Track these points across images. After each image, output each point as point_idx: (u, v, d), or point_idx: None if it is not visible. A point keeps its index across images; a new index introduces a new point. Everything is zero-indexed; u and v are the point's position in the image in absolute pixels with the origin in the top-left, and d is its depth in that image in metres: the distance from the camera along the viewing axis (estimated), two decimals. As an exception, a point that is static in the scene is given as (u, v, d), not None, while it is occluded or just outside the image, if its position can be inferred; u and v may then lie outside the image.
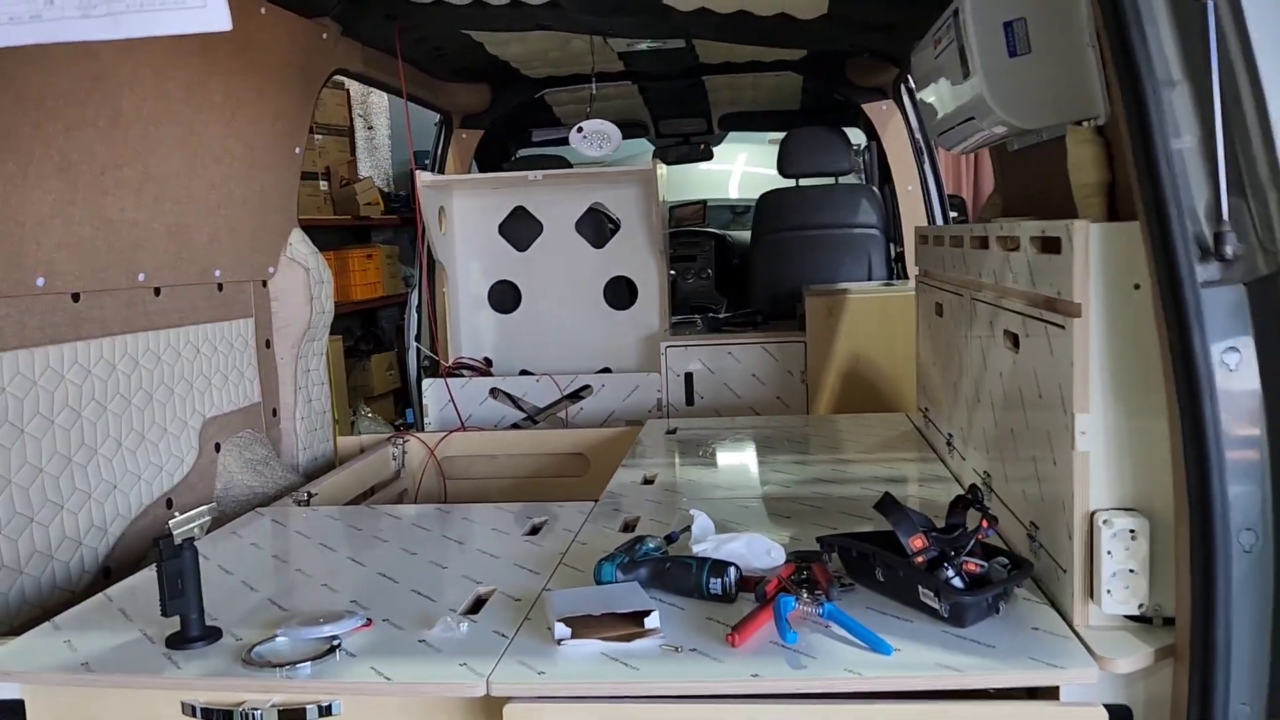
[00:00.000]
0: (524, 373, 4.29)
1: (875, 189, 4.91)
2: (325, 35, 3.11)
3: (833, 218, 4.70)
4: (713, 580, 1.68)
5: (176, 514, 1.71)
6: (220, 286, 2.86)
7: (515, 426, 3.98)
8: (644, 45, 3.83)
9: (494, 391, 4.11)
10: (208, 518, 1.69)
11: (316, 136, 7.63)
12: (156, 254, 2.54)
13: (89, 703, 1.62)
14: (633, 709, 1.44)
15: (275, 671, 1.53)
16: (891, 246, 4.71)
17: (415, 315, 4.53)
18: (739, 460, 2.97)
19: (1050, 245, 1.61)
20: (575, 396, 4.10)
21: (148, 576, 2.02)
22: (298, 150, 3.18)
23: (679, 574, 1.72)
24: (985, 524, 1.61)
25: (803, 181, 4.81)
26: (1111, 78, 1.47)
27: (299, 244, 3.20)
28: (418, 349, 4.46)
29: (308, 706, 1.55)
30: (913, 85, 3.85)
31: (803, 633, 1.53)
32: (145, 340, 2.51)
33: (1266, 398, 1.30)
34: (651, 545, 1.84)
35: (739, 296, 5.26)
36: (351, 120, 8.70)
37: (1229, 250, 1.29)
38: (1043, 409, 1.66)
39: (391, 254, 7.95)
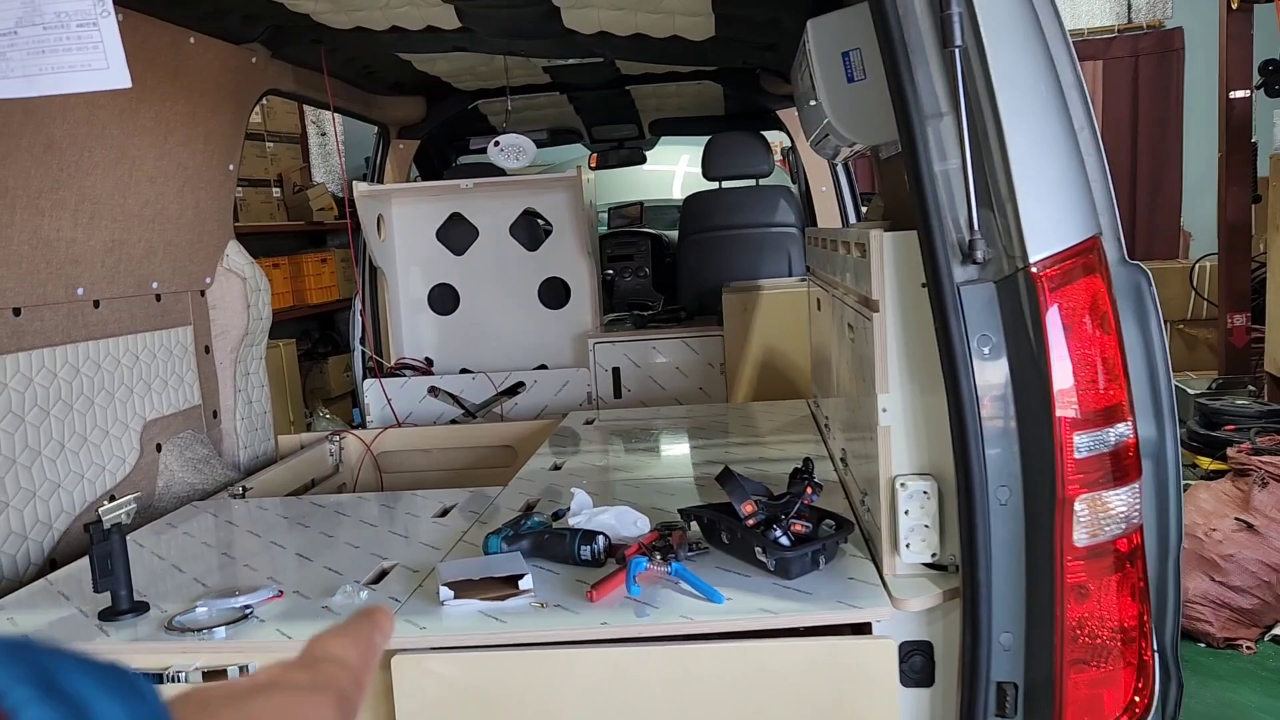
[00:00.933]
0: (464, 371, 4.52)
1: (793, 189, 5.17)
2: (255, 59, 3.32)
3: (753, 218, 4.95)
4: (583, 547, 1.92)
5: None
6: (158, 297, 3.07)
7: (454, 422, 4.21)
8: (564, 60, 4.06)
9: (432, 389, 4.33)
10: (133, 505, 1.90)
11: (268, 144, 7.81)
12: (94, 269, 2.74)
13: (32, 671, 1.84)
14: (500, 654, 1.68)
15: (194, 635, 1.75)
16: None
17: (358, 319, 4.74)
18: (647, 446, 3.22)
19: (863, 250, 1.86)
20: (510, 392, 4.34)
21: (84, 564, 2.24)
22: (231, 167, 3.38)
23: (555, 543, 1.96)
24: (810, 491, 1.86)
25: (726, 184, 5.06)
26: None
27: (235, 255, 3.40)
28: (361, 351, 4.67)
29: (228, 668, 1.77)
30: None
31: (653, 590, 1.78)
32: (85, 349, 2.71)
33: (1013, 376, 1.55)
34: (537, 519, 2.08)
35: (675, 295, 5.51)
36: (304, 127, 8.87)
37: (979, 254, 1.54)
38: (865, 392, 1.91)
39: (346, 258, 8.12)
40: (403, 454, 3.80)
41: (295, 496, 3.22)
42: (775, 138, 5.79)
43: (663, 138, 6.18)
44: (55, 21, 1.42)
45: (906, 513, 1.73)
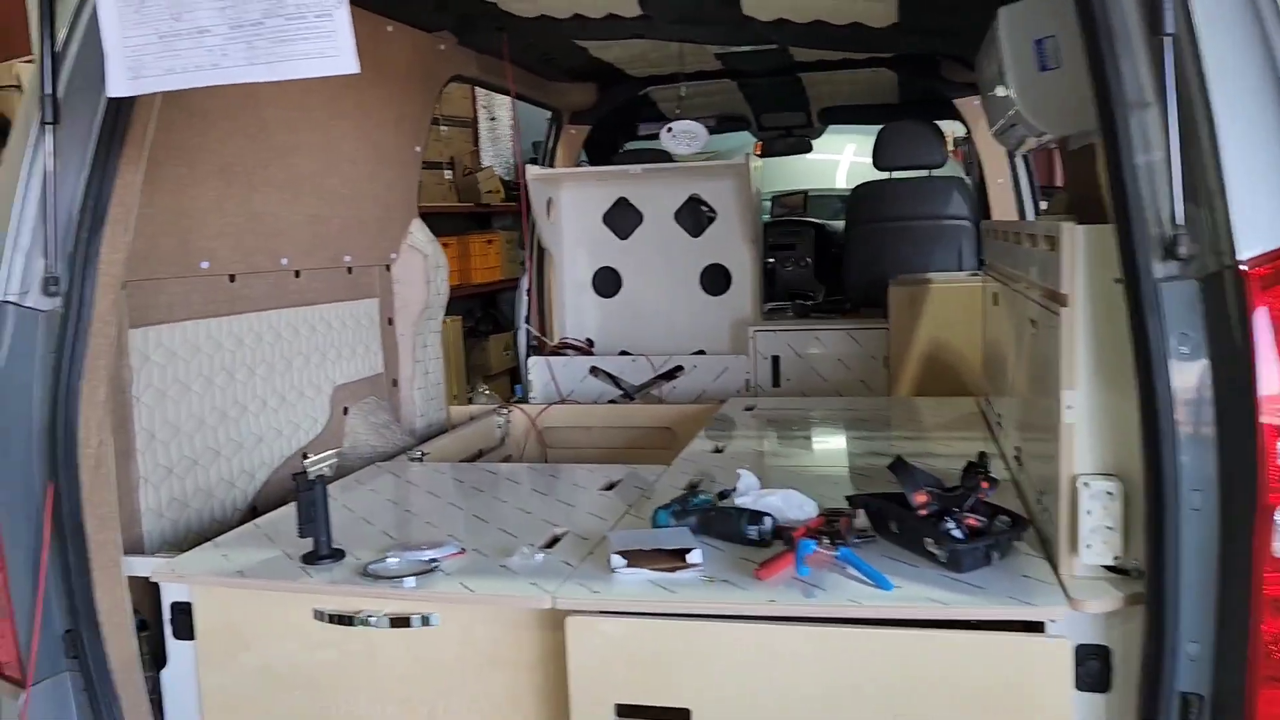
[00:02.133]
0: (623, 353, 4.61)
1: (967, 180, 5.03)
2: (443, 46, 3.48)
3: (924, 209, 4.84)
4: (750, 526, 1.96)
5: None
6: (350, 270, 3.27)
7: (613, 403, 4.31)
8: (739, 47, 4.08)
9: (594, 370, 4.45)
10: (335, 460, 2.06)
11: (442, 128, 8.11)
12: (297, 242, 2.95)
13: (240, 604, 2.02)
14: (669, 623, 1.74)
15: (386, 583, 1.88)
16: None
17: (524, 299, 4.90)
18: (807, 434, 3.22)
19: (1052, 243, 1.82)
20: (669, 376, 4.41)
21: (287, 512, 2.43)
22: (418, 149, 3.56)
23: (722, 521, 2.01)
24: (985, 485, 1.83)
25: (897, 174, 4.97)
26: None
27: (418, 232, 3.59)
28: (526, 330, 4.83)
29: (412, 616, 1.90)
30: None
31: (820, 572, 1.80)
32: (287, 316, 2.92)
33: (1214, 379, 1.49)
34: (703, 497, 2.13)
35: (837, 285, 5.46)
36: (475, 112, 9.17)
37: (1183, 250, 1.49)
38: (1047, 389, 1.87)
39: (511, 239, 8.38)
40: (565, 430, 3.92)
41: (466, 464, 3.38)
42: (947, 128, 5.64)
43: (830, 126, 6.12)
44: (296, 13, 1.55)
45: (1089, 513, 1.69)
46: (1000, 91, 2.47)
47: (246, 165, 2.64)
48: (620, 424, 3.88)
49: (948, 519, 1.79)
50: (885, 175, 4.98)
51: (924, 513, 1.80)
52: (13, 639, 1.96)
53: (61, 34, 1.97)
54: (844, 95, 5.31)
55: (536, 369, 4.49)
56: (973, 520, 1.80)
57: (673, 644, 1.74)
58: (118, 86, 1.70)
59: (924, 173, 4.95)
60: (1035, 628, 1.69)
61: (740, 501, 2.08)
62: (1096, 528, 1.69)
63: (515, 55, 3.92)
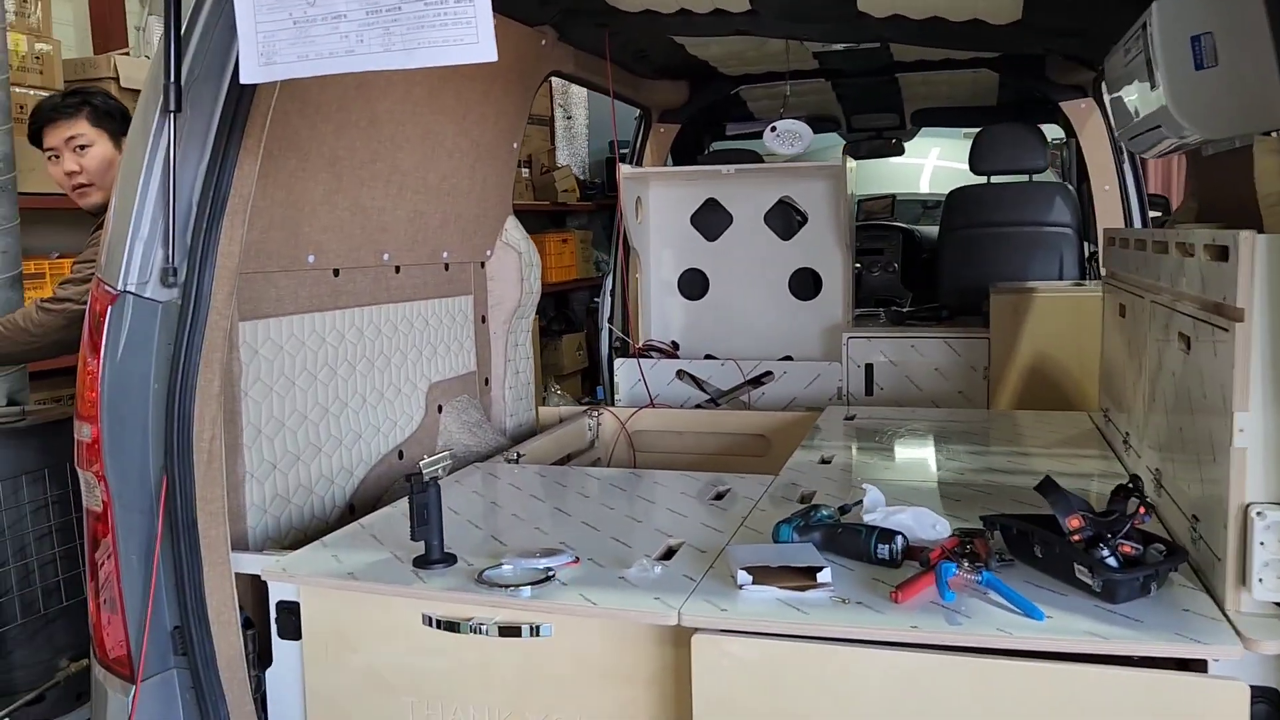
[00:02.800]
0: (709, 357, 4.53)
1: (1070, 187, 4.86)
2: (544, 41, 3.43)
3: (1024, 215, 4.68)
4: (880, 546, 1.86)
5: (408, 463, 2.03)
6: (446, 266, 3.23)
7: (699, 407, 4.23)
8: (839, 45, 3.97)
9: (680, 373, 4.37)
10: (449, 461, 2.00)
11: (522, 127, 8.12)
12: (398, 237, 2.91)
13: (349, 607, 1.97)
14: (803, 646, 1.65)
15: (502, 591, 1.82)
16: (1085, 246, 4.66)
17: (609, 298, 4.84)
18: (915, 447, 3.10)
19: (1220, 253, 1.69)
20: (757, 382, 4.31)
21: (390, 512, 2.39)
22: (515, 145, 3.52)
23: (849, 539, 1.91)
24: (1142, 510, 1.71)
25: (995, 179, 4.81)
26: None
27: (513, 230, 3.55)
28: (610, 330, 4.76)
29: (523, 625, 1.84)
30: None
31: (961, 596, 1.70)
32: (387, 311, 2.89)
33: None
34: (825, 513, 2.03)
35: (926, 291, 5.31)
36: (553, 111, 9.17)
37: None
38: (1207, 408, 1.75)
39: (585, 239, 8.36)
40: (656, 434, 3.85)
41: (562, 466, 3.32)
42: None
43: (922, 129, 5.97)
44: (436, -3, 1.50)
45: (1262, 544, 1.56)
46: (1137, 92, 2.34)
47: (356, 159, 2.61)
48: (713, 430, 3.80)
49: (1101, 546, 1.67)
50: (982, 180, 4.83)
51: (1077, 538, 1.69)
52: (124, 633, 1.94)
53: (184, 19, 1.95)
54: (941, 97, 5.17)
55: (623, 370, 4.42)
56: (1128, 548, 1.68)
57: (804, 668, 1.65)
58: (251, 73, 1.67)
59: (1024, 177, 4.79)
60: (1191, 665, 1.57)
61: (868, 518, 1.99)
62: (1271, 561, 1.57)
63: (612, 51, 3.86)
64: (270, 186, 2.31)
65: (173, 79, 1.90)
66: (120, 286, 1.94)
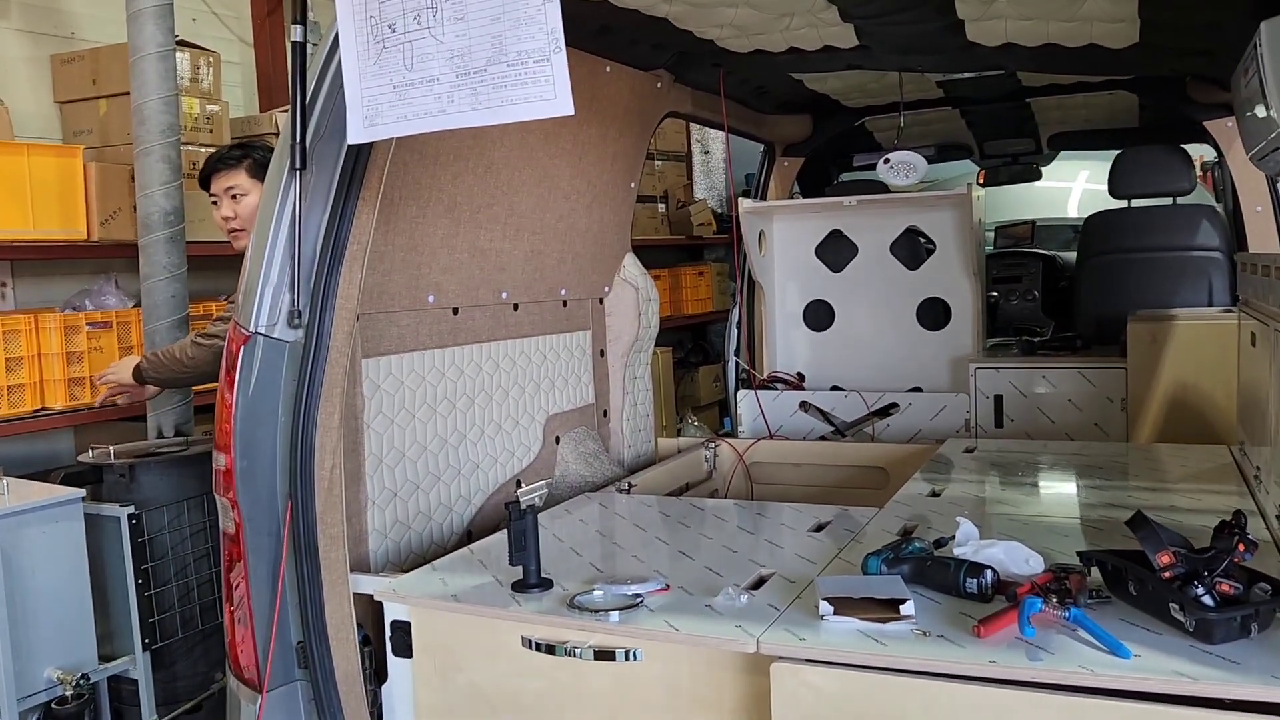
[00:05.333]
0: (835, 388, 4.51)
1: (1219, 209, 4.61)
2: (659, 84, 3.55)
3: (1169, 239, 4.48)
4: (969, 580, 1.84)
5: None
6: (565, 303, 3.36)
7: (823, 439, 4.21)
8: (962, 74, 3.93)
9: (804, 404, 4.37)
10: (545, 490, 2.10)
11: (657, 162, 8.29)
12: (515, 276, 3.06)
13: (454, 627, 2.09)
14: (880, 678, 1.65)
15: (591, 615, 1.89)
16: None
17: (734, 331, 4.88)
18: (1033, 480, 3.02)
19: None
20: (882, 413, 4.27)
21: (499, 539, 2.50)
22: (633, 185, 3.63)
23: (938, 572, 1.90)
24: (1241, 547, 1.64)
25: (1136, 202, 4.62)
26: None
27: (630, 266, 3.65)
28: (736, 362, 4.81)
29: (617, 650, 1.91)
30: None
31: (1047, 633, 1.66)
32: (505, 347, 3.03)
33: None
34: (918, 545, 2.02)
35: (1066, 319, 5.13)
36: (689, 146, 9.32)
37: None
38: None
39: (722, 271, 8.42)
40: (774, 466, 3.86)
41: (672, 497, 3.38)
42: (1195, 152, 5.20)
43: (1061, 153, 5.78)
44: (516, 60, 1.62)
45: (1373, 587, 1.48)
46: (1260, 112, 2.24)
47: (473, 203, 2.77)
48: (831, 462, 3.79)
49: (1197, 584, 1.61)
50: (1123, 204, 4.65)
51: (1168, 575, 1.63)
52: (253, 647, 2.11)
53: (309, 87, 2.14)
54: (1078, 120, 5.01)
55: (745, 402, 4.46)
56: (1226, 586, 1.61)
57: (884, 700, 1.65)
58: (357, 134, 1.83)
59: (1168, 201, 4.59)
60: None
61: (959, 552, 1.97)
62: (1383, 604, 1.48)
63: (730, 89, 3.93)
64: (391, 233, 2.48)
65: (297, 140, 2.09)
66: (252, 328, 2.13)
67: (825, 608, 1.79)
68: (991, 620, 1.69)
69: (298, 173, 2.10)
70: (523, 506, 2.05)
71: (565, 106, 1.66)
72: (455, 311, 2.81)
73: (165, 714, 3.35)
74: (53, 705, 3.09)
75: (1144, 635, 1.65)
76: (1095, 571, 1.86)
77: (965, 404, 4.11)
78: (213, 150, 4.26)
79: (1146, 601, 1.72)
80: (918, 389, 4.38)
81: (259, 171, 3.16)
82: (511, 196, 2.95)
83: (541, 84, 1.63)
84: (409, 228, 2.56)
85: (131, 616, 3.27)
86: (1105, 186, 4.66)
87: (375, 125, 1.78)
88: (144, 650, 3.29)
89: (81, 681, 3.11)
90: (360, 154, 2.13)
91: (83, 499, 3.20)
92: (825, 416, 4.34)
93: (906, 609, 1.76)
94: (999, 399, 4.08)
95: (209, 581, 3.48)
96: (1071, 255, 5.95)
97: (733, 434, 4.59)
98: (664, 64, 3.49)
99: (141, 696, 3.28)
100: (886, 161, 3.91)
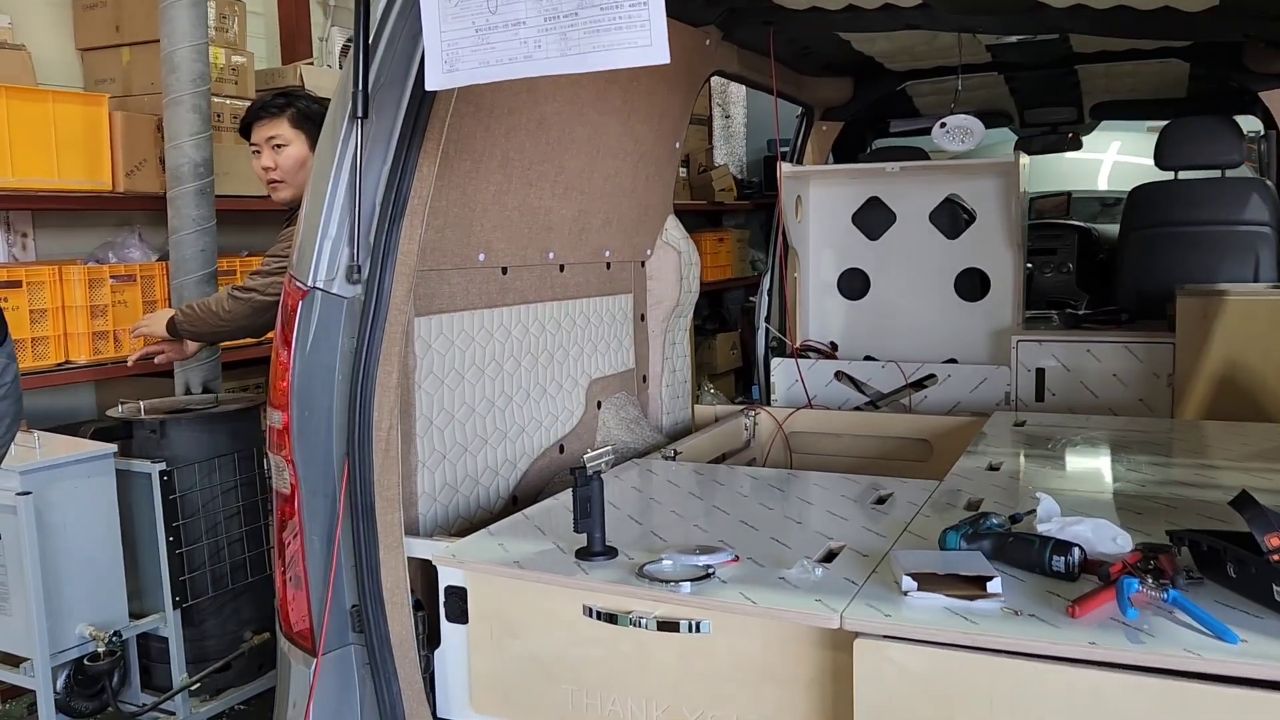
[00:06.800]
0: (869, 358, 4.44)
1: (1270, 183, 4.52)
2: (708, 41, 3.44)
3: (1216, 213, 4.38)
4: (1055, 558, 1.78)
5: (569, 458, 2.07)
6: (608, 265, 3.28)
7: (857, 409, 4.15)
8: (1014, 37, 3.82)
9: (839, 374, 4.31)
10: (611, 456, 2.04)
11: (680, 126, 8.17)
12: (563, 236, 2.98)
13: (513, 594, 2.03)
14: (972, 658, 1.59)
15: (662, 586, 1.84)
16: None
17: (766, 298, 4.80)
18: (1090, 455, 2.95)
19: None
20: (919, 385, 4.20)
21: (552, 504, 2.45)
22: (677, 145, 3.54)
23: (1022, 549, 1.84)
24: (1353, 531, 1.58)
25: (1183, 175, 4.53)
26: None
27: (673, 229, 3.57)
28: (767, 329, 4.73)
29: (682, 621, 1.85)
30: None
31: (1144, 614, 1.60)
32: (551, 309, 2.96)
33: None
34: (995, 521, 1.96)
35: (1103, 293, 5.05)
36: (711, 110, 9.18)
37: None
38: None
39: (742, 238, 8.33)
40: (813, 435, 3.80)
41: (719, 464, 3.32)
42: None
43: (1101, 122, 5.67)
44: (610, 2, 1.53)
45: None
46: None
47: (524, 160, 2.69)
48: (872, 433, 3.72)
49: (1306, 567, 1.55)
50: (1168, 176, 4.55)
51: (1277, 558, 1.57)
52: (307, 609, 2.06)
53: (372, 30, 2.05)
54: (1123, 89, 4.89)
55: (780, 371, 4.39)
56: (1337, 571, 1.55)
57: (974, 680, 1.60)
58: (436, 79, 1.74)
59: (1216, 173, 4.49)
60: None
61: (1042, 528, 1.90)
62: None
63: (774, 51, 3.83)
64: (446, 188, 2.40)
65: (360, 87, 2.00)
66: (310, 283, 2.06)
67: (909, 583, 1.73)
68: (1086, 600, 1.63)
69: (359, 121, 2.01)
70: (589, 472, 1.98)
71: (661, 54, 1.57)
72: (504, 271, 2.73)
73: (195, 672, 3.32)
74: (85, 661, 3.06)
75: (1245, 619, 1.59)
76: (1186, 552, 1.80)
77: (1006, 376, 4.04)
78: (240, 103, 4.16)
79: (1247, 584, 1.65)
80: (954, 360, 4.31)
81: (302, 122, 3.07)
82: (562, 154, 2.86)
83: (637, 29, 1.54)
84: (462, 182, 2.48)
85: (162, 574, 3.23)
86: (1138, 158, 4.56)
87: (455, 71, 1.69)
88: (174, 608, 3.25)
89: (114, 638, 3.08)
90: (423, 103, 2.05)
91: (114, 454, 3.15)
92: (859, 387, 4.27)
93: (994, 586, 1.70)
94: (1040, 372, 4.00)
95: (239, 540, 3.44)
96: (1105, 227, 5.86)
97: (763, 402, 4.52)
98: (714, 20, 3.38)
99: (171, 654, 3.25)
100: (943, 125, 3.81)
